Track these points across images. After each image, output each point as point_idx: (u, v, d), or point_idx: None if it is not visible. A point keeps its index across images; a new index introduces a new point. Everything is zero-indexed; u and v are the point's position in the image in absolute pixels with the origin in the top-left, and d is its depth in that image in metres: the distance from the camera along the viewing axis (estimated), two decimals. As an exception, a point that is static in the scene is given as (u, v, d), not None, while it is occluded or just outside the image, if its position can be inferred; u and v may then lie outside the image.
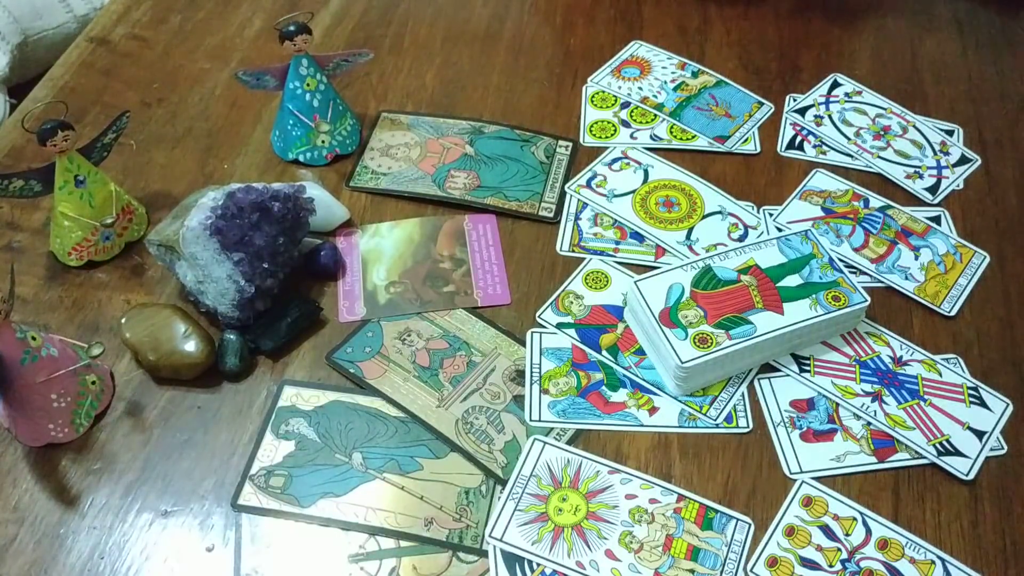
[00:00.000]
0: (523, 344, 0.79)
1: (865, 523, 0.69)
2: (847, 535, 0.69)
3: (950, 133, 0.97)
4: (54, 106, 0.94)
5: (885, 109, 0.99)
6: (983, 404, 0.76)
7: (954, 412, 0.75)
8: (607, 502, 0.70)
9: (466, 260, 0.85)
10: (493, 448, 0.73)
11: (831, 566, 0.67)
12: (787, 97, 1.01)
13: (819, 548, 0.68)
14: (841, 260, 0.81)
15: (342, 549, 0.68)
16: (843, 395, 0.76)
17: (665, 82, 1.01)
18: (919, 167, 0.94)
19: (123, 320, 0.78)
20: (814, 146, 0.96)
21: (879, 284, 0.84)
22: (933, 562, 0.67)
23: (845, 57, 1.06)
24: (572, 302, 0.82)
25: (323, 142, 0.92)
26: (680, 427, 0.75)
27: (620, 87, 1.01)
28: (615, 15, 1.10)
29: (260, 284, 0.77)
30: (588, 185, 0.91)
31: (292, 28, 0.87)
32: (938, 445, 0.73)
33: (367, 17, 1.10)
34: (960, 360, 0.79)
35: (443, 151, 0.94)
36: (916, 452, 0.73)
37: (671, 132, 0.96)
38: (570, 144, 0.95)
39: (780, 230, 0.87)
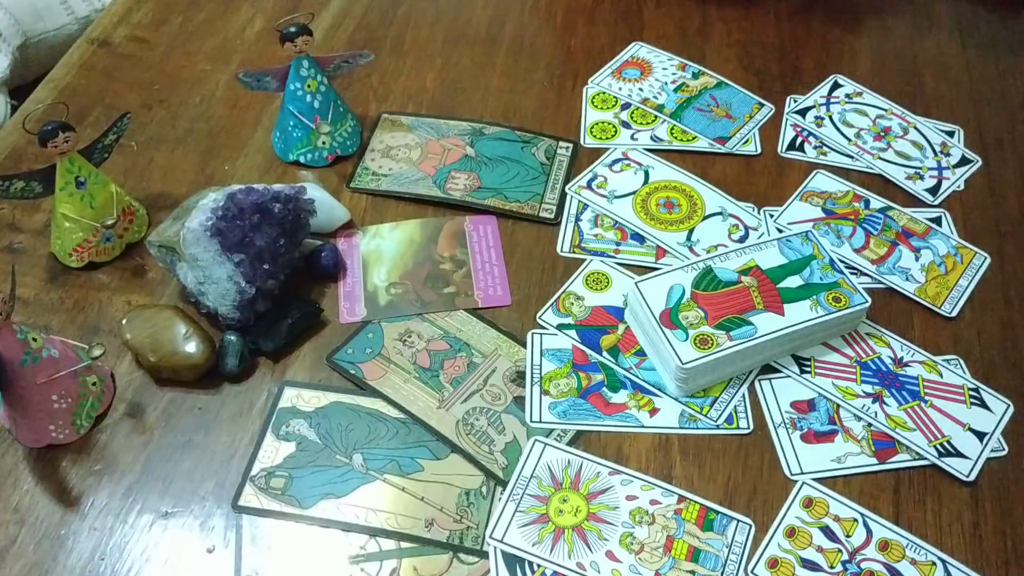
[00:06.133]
0: (524, 345, 0.79)
1: (866, 524, 0.69)
2: (848, 536, 0.68)
3: (951, 134, 0.97)
4: (55, 107, 0.94)
5: (886, 110, 0.99)
6: (984, 405, 0.76)
7: (955, 413, 0.75)
8: (608, 503, 0.70)
9: (467, 261, 0.85)
10: (494, 449, 0.73)
11: (832, 567, 0.67)
12: (787, 98, 1.01)
13: (820, 549, 0.68)
14: (842, 261, 0.81)
15: (343, 550, 0.68)
16: (844, 396, 0.76)
17: (666, 83, 1.01)
18: (920, 168, 0.94)
19: (124, 321, 0.78)
20: (815, 147, 0.96)
21: (880, 285, 0.84)
22: (934, 563, 0.67)
23: (845, 58, 1.06)
24: (573, 303, 0.82)
25: (324, 143, 0.92)
26: (681, 428, 0.74)
27: (621, 88, 1.01)
28: (616, 16, 1.10)
29: (261, 285, 0.77)
30: (588, 186, 0.91)
31: (293, 29, 0.87)
32: (939, 446, 0.73)
33: (368, 18, 1.10)
34: (961, 361, 0.79)
35: (444, 152, 0.94)
36: (917, 453, 0.73)
37: (672, 133, 0.96)
38: (571, 145, 0.95)
39: (781, 231, 0.87)
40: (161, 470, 0.72)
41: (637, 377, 0.77)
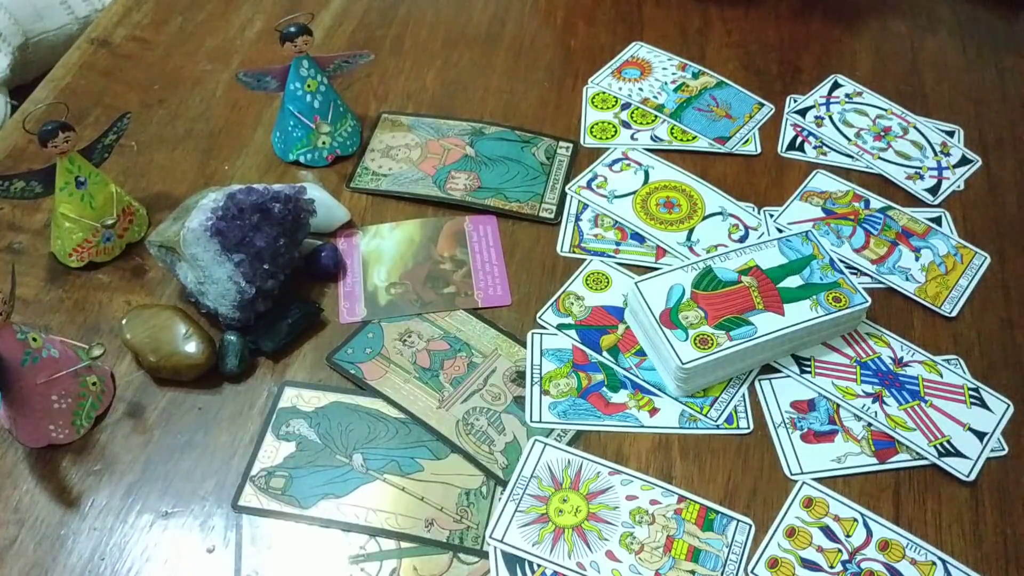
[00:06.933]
0: (524, 345, 0.79)
1: (866, 524, 0.69)
2: (848, 536, 0.68)
3: (951, 134, 0.97)
4: (55, 107, 0.94)
5: (885, 110, 0.99)
6: (984, 405, 0.76)
7: (955, 413, 0.75)
8: (608, 503, 0.70)
9: (467, 261, 0.85)
10: (494, 449, 0.73)
11: (832, 567, 0.67)
12: (787, 98, 1.01)
13: (820, 549, 0.68)
14: (842, 261, 0.81)
15: (343, 550, 0.68)
16: (844, 396, 0.76)
17: (666, 83, 1.01)
18: (920, 168, 0.94)
19: (124, 321, 0.78)
20: (815, 147, 0.96)
21: (880, 285, 0.84)
22: (934, 563, 0.67)
23: (846, 58, 1.06)
24: (573, 303, 0.82)
25: (324, 143, 0.92)
26: (681, 428, 0.74)
27: (621, 88, 1.01)
28: (615, 16, 1.10)
29: (261, 285, 0.77)
30: (588, 186, 0.91)
31: (293, 29, 0.87)
32: (939, 446, 0.73)
33: (367, 18, 1.10)
34: (961, 361, 0.79)
35: (444, 152, 0.94)
36: (917, 453, 0.73)
37: (672, 133, 0.96)
38: (570, 145, 0.96)
39: (781, 231, 0.87)
40: (161, 470, 0.72)
41: (637, 377, 0.77)
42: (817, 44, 1.07)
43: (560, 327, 0.80)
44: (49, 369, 0.70)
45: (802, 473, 0.72)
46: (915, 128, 0.98)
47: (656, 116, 0.98)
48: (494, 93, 1.01)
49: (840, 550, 0.68)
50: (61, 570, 0.67)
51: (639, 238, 0.87)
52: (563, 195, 0.90)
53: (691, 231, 0.87)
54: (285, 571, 0.67)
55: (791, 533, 0.69)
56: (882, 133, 0.97)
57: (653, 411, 0.75)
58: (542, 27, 1.09)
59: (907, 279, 0.84)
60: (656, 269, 0.82)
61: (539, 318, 0.81)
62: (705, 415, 0.75)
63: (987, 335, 0.81)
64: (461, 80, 1.02)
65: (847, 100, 1.00)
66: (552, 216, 0.89)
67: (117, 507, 0.70)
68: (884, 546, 0.68)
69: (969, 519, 0.70)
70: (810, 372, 0.77)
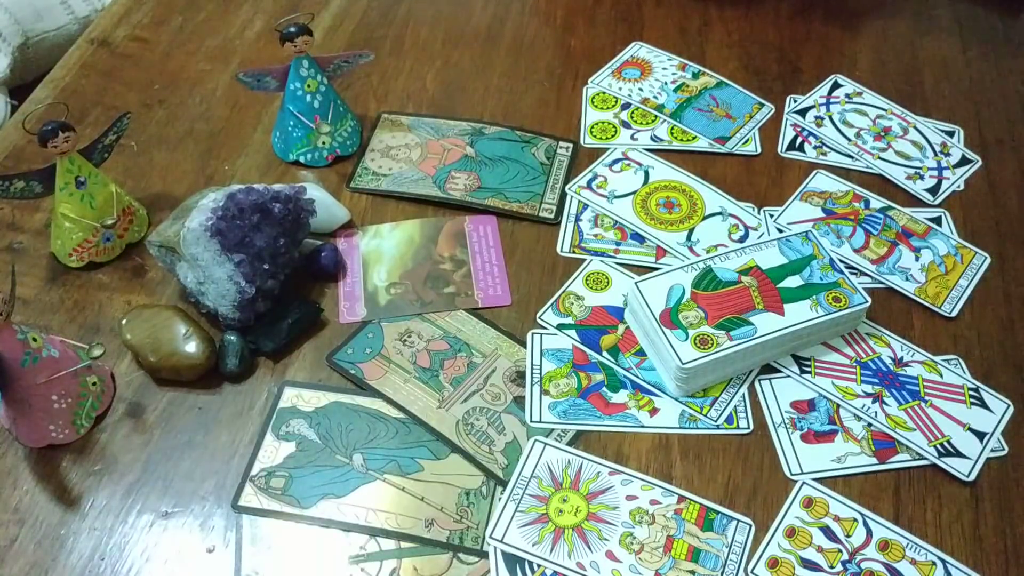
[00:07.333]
0: (524, 345, 0.79)
1: (866, 524, 0.69)
2: (848, 536, 0.68)
3: (950, 134, 0.97)
4: (55, 107, 0.94)
5: (885, 110, 0.99)
6: (984, 405, 0.76)
7: (955, 413, 0.75)
8: (608, 503, 0.70)
9: (467, 261, 0.85)
10: (494, 449, 0.73)
11: (832, 567, 0.67)
12: (788, 98, 1.01)
13: (820, 549, 0.68)
14: (842, 261, 0.81)
15: (343, 550, 0.68)
16: (844, 396, 0.76)
17: (666, 83, 1.01)
18: (920, 168, 0.94)
19: (124, 321, 0.78)
20: (815, 147, 0.96)
21: (880, 285, 0.84)
22: (934, 563, 0.67)
23: (846, 58, 1.06)
24: (573, 303, 0.82)
25: (324, 143, 0.92)
26: (681, 428, 0.74)
27: (621, 88, 1.01)
28: (616, 16, 1.10)
29: (261, 285, 0.77)
30: (588, 186, 0.91)
31: (293, 29, 0.87)
32: (939, 446, 0.73)
33: (367, 18, 1.10)
34: (961, 361, 0.79)
35: (444, 152, 0.94)
36: (917, 453, 0.73)
37: (672, 133, 0.96)
38: (570, 145, 0.95)
39: (781, 231, 0.87)
40: (161, 470, 0.72)
41: (637, 377, 0.77)
42: (817, 44, 1.07)
43: (560, 327, 0.80)
44: (49, 369, 0.70)
45: (802, 473, 0.72)
46: (915, 128, 0.98)
47: (656, 116, 0.98)
48: (494, 93, 1.01)
49: (840, 550, 0.68)
50: (61, 570, 0.67)
51: (639, 238, 0.87)
52: (563, 195, 0.90)
53: (691, 231, 0.87)
54: (285, 571, 0.67)
55: (791, 533, 0.69)
56: (882, 133, 0.97)
57: (653, 411, 0.75)
58: (542, 27, 1.09)
59: (907, 279, 0.84)
60: (656, 269, 0.82)
61: (539, 318, 0.81)
62: (705, 415, 0.75)
63: (987, 335, 0.81)
64: (461, 80, 1.02)
65: (847, 100, 1.00)
66: (552, 216, 0.89)
67: (117, 507, 0.70)
68: (884, 546, 0.68)
69: (969, 519, 0.70)
70: (810, 372, 0.77)
